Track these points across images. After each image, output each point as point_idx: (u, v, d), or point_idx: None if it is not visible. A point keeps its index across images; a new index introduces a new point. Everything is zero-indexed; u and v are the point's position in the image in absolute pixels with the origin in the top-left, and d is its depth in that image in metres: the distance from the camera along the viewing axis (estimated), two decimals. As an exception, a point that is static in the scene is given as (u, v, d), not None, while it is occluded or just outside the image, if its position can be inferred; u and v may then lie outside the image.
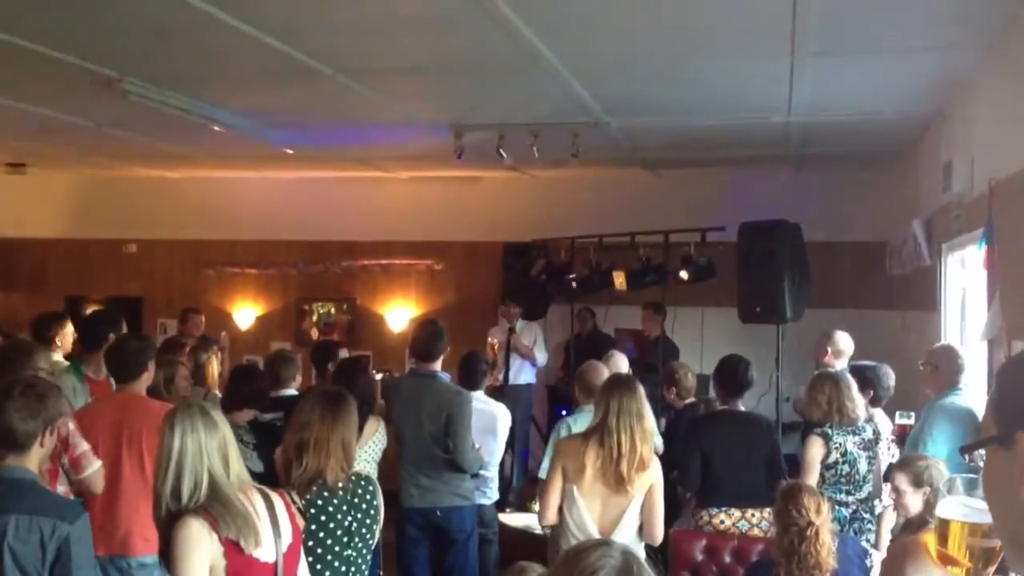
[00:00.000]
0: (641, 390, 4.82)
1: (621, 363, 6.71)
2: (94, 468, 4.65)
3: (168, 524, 3.10)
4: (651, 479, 4.75)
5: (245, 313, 11.52)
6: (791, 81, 6.09)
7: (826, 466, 5.28)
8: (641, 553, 4.53)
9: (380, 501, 3.92)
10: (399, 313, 11.28)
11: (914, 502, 4.23)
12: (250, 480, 3.28)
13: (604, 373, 5.96)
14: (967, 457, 3.38)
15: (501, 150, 7.77)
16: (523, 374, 9.87)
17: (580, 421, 5.77)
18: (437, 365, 5.91)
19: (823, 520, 3.97)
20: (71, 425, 4.59)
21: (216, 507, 3.08)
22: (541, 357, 9.97)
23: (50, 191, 11.82)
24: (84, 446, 4.62)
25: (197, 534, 3.04)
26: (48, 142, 9.07)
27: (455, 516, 5.83)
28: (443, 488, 5.79)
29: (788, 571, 3.93)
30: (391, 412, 5.88)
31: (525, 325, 9.90)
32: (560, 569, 1.73)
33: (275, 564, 3.18)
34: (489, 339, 9.55)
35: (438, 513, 5.78)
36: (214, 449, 3.14)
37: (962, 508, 1.84)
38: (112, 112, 7.35)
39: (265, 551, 3.14)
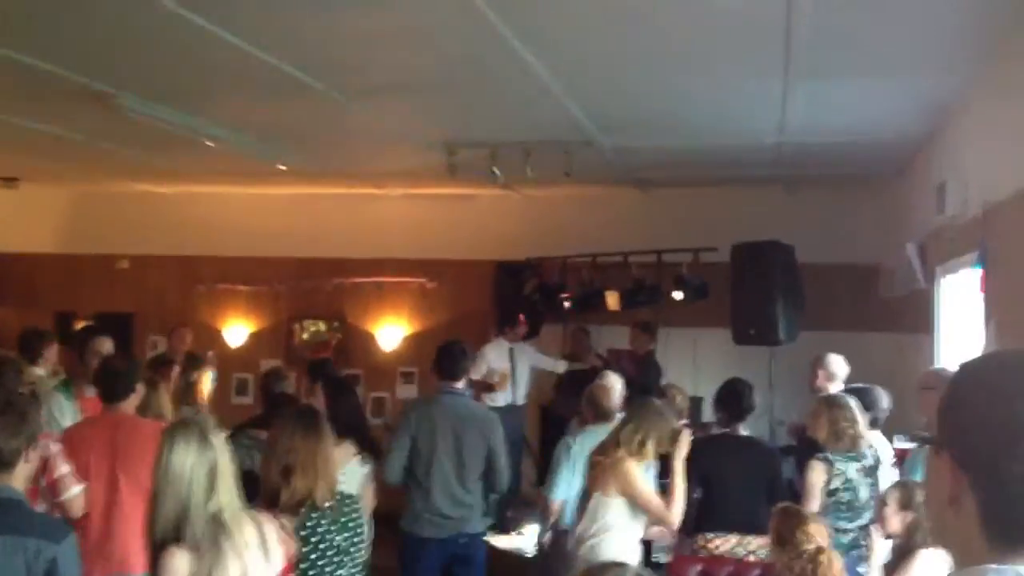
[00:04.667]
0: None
1: (615, 383, 6.69)
2: (72, 492, 4.60)
3: (158, 548, 3.05)
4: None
5: (236, 330, 11.46)
6: (784, 102, 6.10)
7: (828, 492, 5.22)
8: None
9: (365, 518, 3.93)
10: (390, 331, 11.23)
11: (894, 521, 4.36)
12: (240, 507, 3.19)
13: (614, 394, 5.94)
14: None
15: (494, 168, 7.76)
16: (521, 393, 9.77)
17: (586, 441, 5.73)
18: (461, 384, 5.90)
19: (828, 544, 3.97)
20: (53, 447, 4.56)
21: (196, 537, 3.02)
22: (561, 365, 9.85)
23: (42, 206, 11.76)
24: (64, 469, 4.57)
25: (179, 568, 2.99)
26: (41, 156, 9.04)
27: (477, 541, 5.82)
28: (469, 513, 5.73)
29: None
30: (404, 435, 5.71)
31: (524, 345, 9.77)
32: None
33: None
34: (490, 364, 9.32)
35: (461, 541, 5.70)
36: (202, 474, 3.08)
37: None
38: (105, 126, 7.33)
39: None
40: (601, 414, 5.85)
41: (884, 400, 5.99)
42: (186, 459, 3.08)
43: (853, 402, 5.40)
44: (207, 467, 3.09)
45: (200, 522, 3.04)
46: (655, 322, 9.23)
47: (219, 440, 3.19)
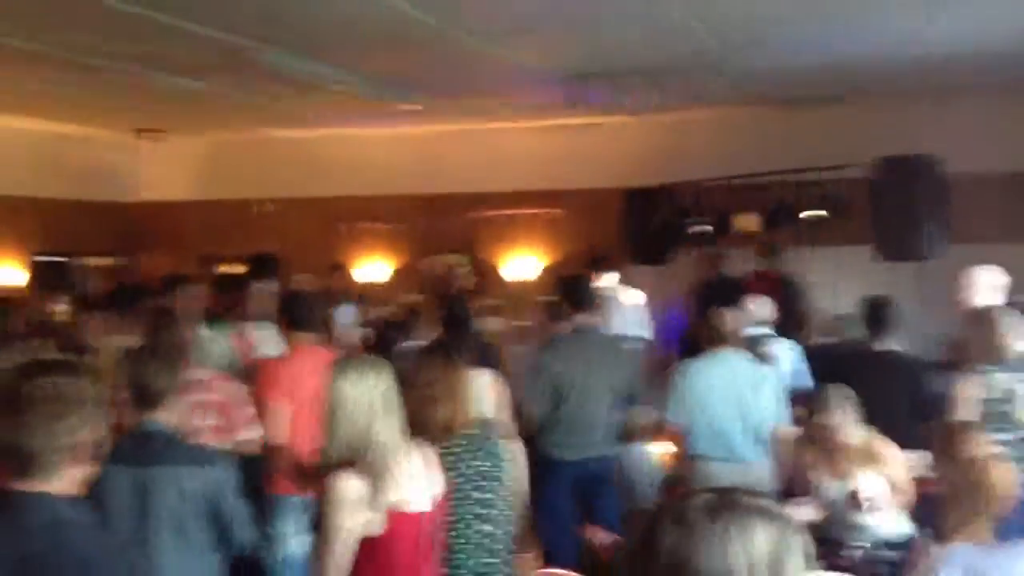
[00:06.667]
0: None
1: (759, 308, 6.58)
2: (254, 432, 4.87)
3: (330, 471, 3.17)
4: None
5: (376, 266, 11.76)
6: (927, 9, 5.82)
7: (983, 404, 5.08)
8: None
9: (503, 445, 3.99)
10: (523, 262, 11.34)
11: None
12: (403, 435, 3.31)
13: (729, 318, 5.81)
14: None
15: (622, 96, 7.68)
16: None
17: (700, 366, 5.71)
18: (591, 316, 5.94)
19: (992, 451, 3.82)
20: (231, 388, 4.87)
21: (369, 462, 3.15)
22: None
23: (184, 155, 12.23)
24: (251, 410, 4.83)
25: (351, 491, 3.11)
26: (183, 108, 9.39)
27: (609, 462, 5.93)
28: (600, 441, 5.82)
29: (974, 508, 3.74)
30: (541, 371, 5.78)
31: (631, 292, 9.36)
32: None
33: (427, 514, 3.27)
34: None
35: (591, 465, 5.80)
36: (372, 404, 3.20)
37: None
38: (243, 78, 7.56)
39: (416, 503, 3.23)
40: (717, 339, 5.76)
41: None
42: (358, 389, 3.21)
43: (1008, 315, 5.20)
44: (378, 397, 3.22)
45: (372, 449, 3.16)
46: (777, 244, 9.06)
47: (385, 372, 3.30)
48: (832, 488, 4.70)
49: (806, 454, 4.93)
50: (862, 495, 4.59)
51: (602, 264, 8.63)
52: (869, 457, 4.68)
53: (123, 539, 3.02)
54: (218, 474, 3.53)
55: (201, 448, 3.83)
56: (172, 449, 3.52)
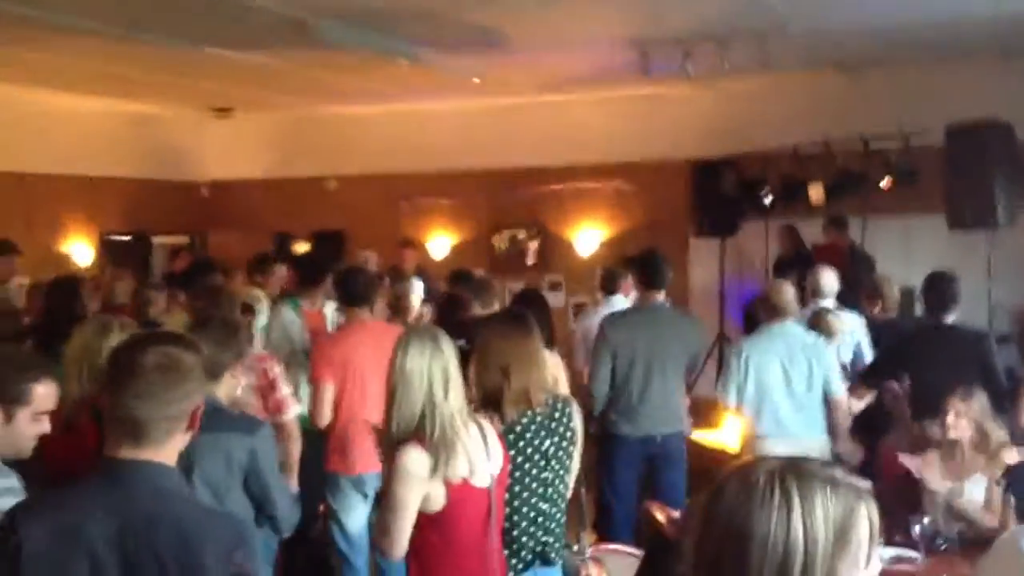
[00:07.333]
0: None
1: (827, 279, 6.46)
2: (292, 412, 4.95)
3: (395, 445, 3.19)
4: None
5: (440, 242, 11.83)
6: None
7: None
8: None
9: (578, 423, 3.87)
10: (589, 236, 11.30)
11: None
12: (466, 409, 3.31)
13: (787, 291, 5.71)
14: None
15: (687, 64, 7.59)
16: None
17: (757, 343, 5.63)
18: (662, 296, 5.84)
19: None
20: (276, 368, 4.92)
21: (432, 435, 3.15)
22: None
23: (255, 133, 12.38)
24: (287, 390, 4.91)
25: (415, 465, 3.12)
26: (250, 85, 9.51)
27: (675, 439, 5.86)
28: (667, 415, 5.78)
29: None
30: (606, 347, 5.75)
31: None
32: None
33: (488, 489, 3.27)
34: None
35: (658, 440, 5.77)
36: (436, 377, 3.19)
37: None
38: (306, 53, 7.63)
39: (479, 477, 3.23)
40: (774, 312, 5.66)
41: None
42: (421, 362, 3.19)
43: None
44: (441, 370, 3.20)
45: (438, 422, 3.16)
46: (844, 215, 8.88)
47: (449, 346, 3.28)
48: (942, 491, 4.47)
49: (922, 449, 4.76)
50: (959, 507, 4.39)
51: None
52: (992, 458, 4.41)
53: (228, 512, 3.03)
54: (262, 443, 3.55)
55: (245, 416, 3.84)
56: (216, 417, 3.46)
